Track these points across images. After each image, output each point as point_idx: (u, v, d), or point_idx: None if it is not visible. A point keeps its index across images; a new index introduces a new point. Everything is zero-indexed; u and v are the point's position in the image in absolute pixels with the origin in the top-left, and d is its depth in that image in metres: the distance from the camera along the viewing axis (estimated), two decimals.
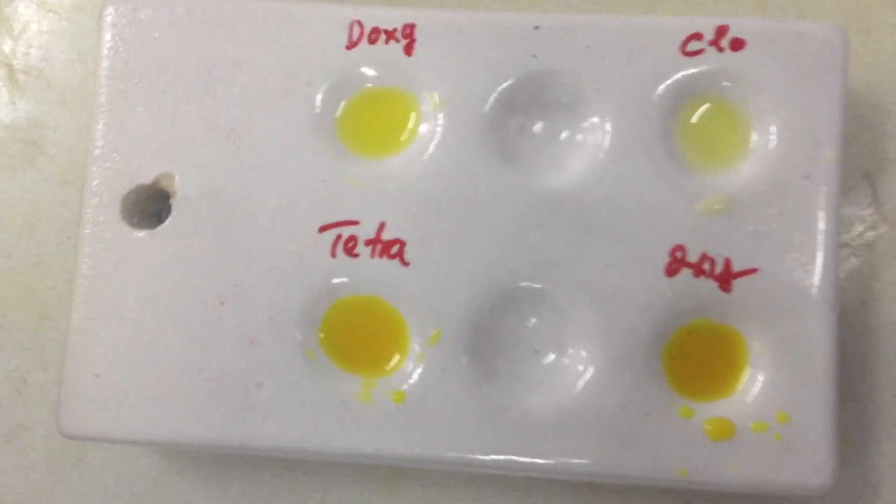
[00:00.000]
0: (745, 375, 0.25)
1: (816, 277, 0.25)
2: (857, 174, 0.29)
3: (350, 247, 0.26)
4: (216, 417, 0.25)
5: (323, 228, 0.26)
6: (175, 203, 0.26)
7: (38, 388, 0.29)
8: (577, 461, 0.25)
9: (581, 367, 0.25)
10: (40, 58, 0.31)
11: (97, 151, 0.26)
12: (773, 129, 0.26)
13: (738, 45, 0.26)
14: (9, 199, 0.30)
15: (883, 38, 0.29)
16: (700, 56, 0.26)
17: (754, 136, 0.26)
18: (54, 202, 0.30)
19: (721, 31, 0.26)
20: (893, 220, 0.29)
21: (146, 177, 0.26)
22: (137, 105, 0.26)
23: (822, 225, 0.25)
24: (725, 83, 0.26)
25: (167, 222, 0.26)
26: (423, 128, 0.26)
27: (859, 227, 0.29)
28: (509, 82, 0.26)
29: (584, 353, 0.25)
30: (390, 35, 0.26)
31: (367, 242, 0.26)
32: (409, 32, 0.26)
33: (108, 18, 0.26)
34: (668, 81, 0.26)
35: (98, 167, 0.26)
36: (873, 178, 0.29)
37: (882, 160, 0.29)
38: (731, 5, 0.30)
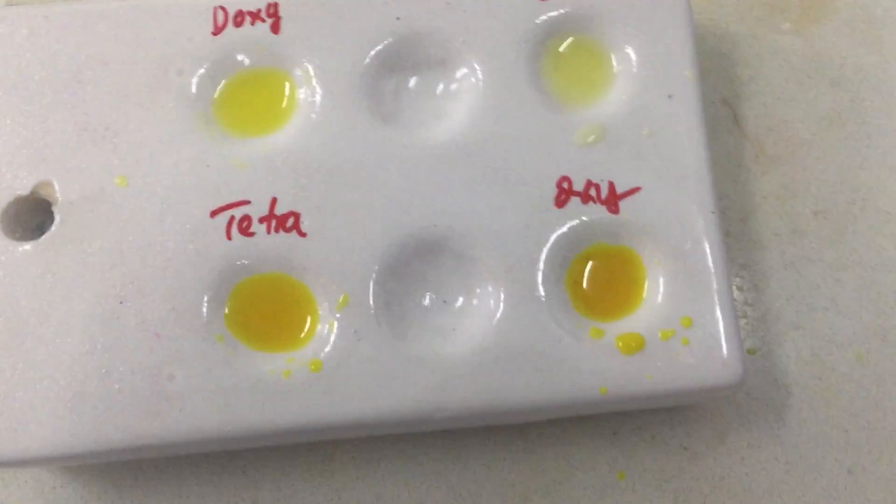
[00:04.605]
0: (645, 289, 0.26)
1: (694, 185, 0.26)
2: (716, 101, 0.31)
3: (245, 227, 0.26)
4: (130, 417, 0.24)
5: (214, 213, 0.26)
6: (57, 210, 0.26)
7: None
8: (503, 398, 0.25)
9: (490, 308, 0.26)
10: None
11: None
12: (632, 54, 0.27)
13: None
14: None
15: None
16: None
17: (615, 64, 0.27)
18: None
19: None
20: (755, 140, 0.31)
21: (24, 188, 0.26)
22: (4, 118, 0.26)
23: (691, 137, 0.27)
24: (582, 20, 0.27)
25: (52, 230, 0.25)
26: (301, 101, 0.27)
27: (725, 150, 0.30)
28: (379, 46, 0.27)
29: (490, 294, 0.26)
30: (255, 16, 0.26)
31: (262, 220, 0.26)
32: (273, 11, 0.27)
33: None
34: (529, 25, 0.27)
35: None
36: (731, 103, 0.31)
37: (736, 85, 0.31)
38: None
